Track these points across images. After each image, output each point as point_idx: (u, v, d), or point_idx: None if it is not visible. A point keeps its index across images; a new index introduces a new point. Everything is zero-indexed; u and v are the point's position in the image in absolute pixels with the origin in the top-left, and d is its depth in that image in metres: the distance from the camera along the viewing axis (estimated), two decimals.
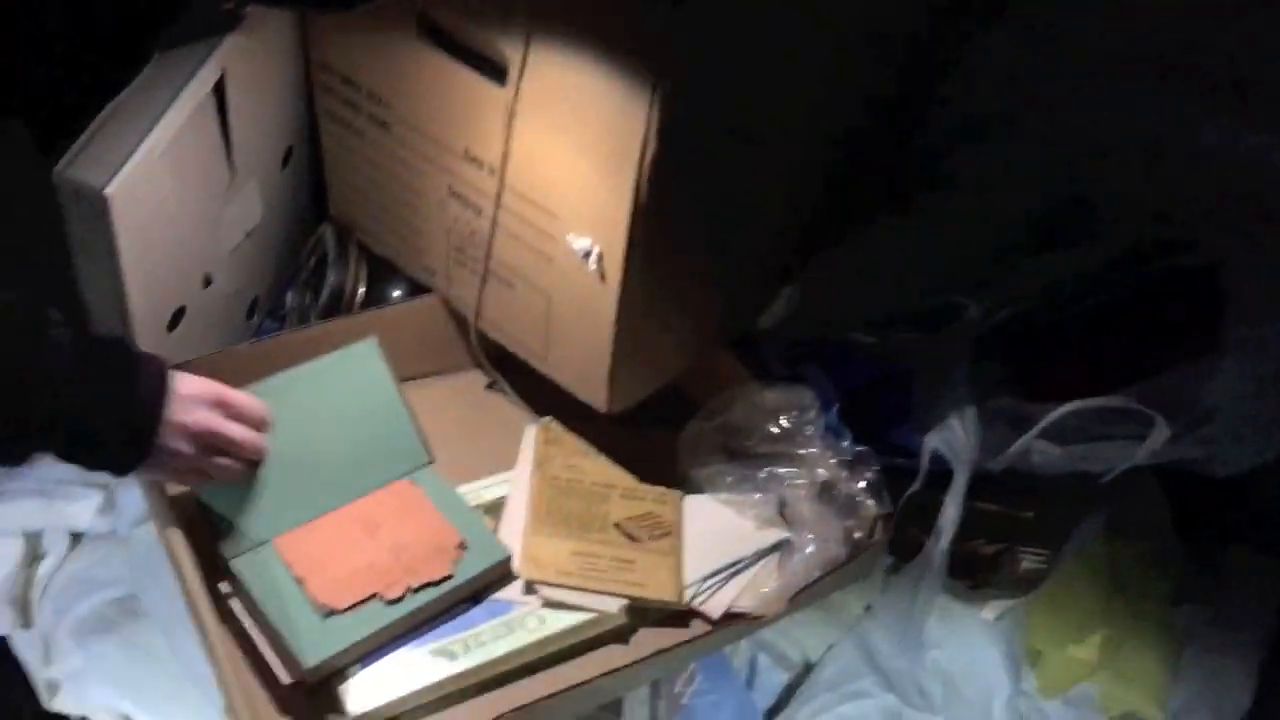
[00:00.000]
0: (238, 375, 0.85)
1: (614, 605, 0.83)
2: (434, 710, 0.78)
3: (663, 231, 0.81)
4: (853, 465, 0.88)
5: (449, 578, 0.82)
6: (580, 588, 0.83)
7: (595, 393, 0.90)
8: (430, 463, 0.90)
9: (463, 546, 0.84)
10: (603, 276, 0.82)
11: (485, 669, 0.79)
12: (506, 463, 0.93)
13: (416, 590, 0.81)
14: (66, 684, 0.97)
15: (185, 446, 0.76)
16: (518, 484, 0.91)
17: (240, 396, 0.81)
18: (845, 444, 0.89)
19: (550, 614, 0.83)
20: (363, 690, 0.77)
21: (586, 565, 0.85)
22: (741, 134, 0.82)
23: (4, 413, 0.68)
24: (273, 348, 0.93)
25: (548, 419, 0.96)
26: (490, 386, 1.01)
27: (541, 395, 0.97)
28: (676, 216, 0.81)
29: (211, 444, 0.78)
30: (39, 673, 0.98)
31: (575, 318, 0.87)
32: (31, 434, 0.70)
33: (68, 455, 0.72)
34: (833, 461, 0.89)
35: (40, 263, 0.84)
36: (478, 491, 0.91)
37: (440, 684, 0.78)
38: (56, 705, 0.98)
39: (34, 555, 0.99)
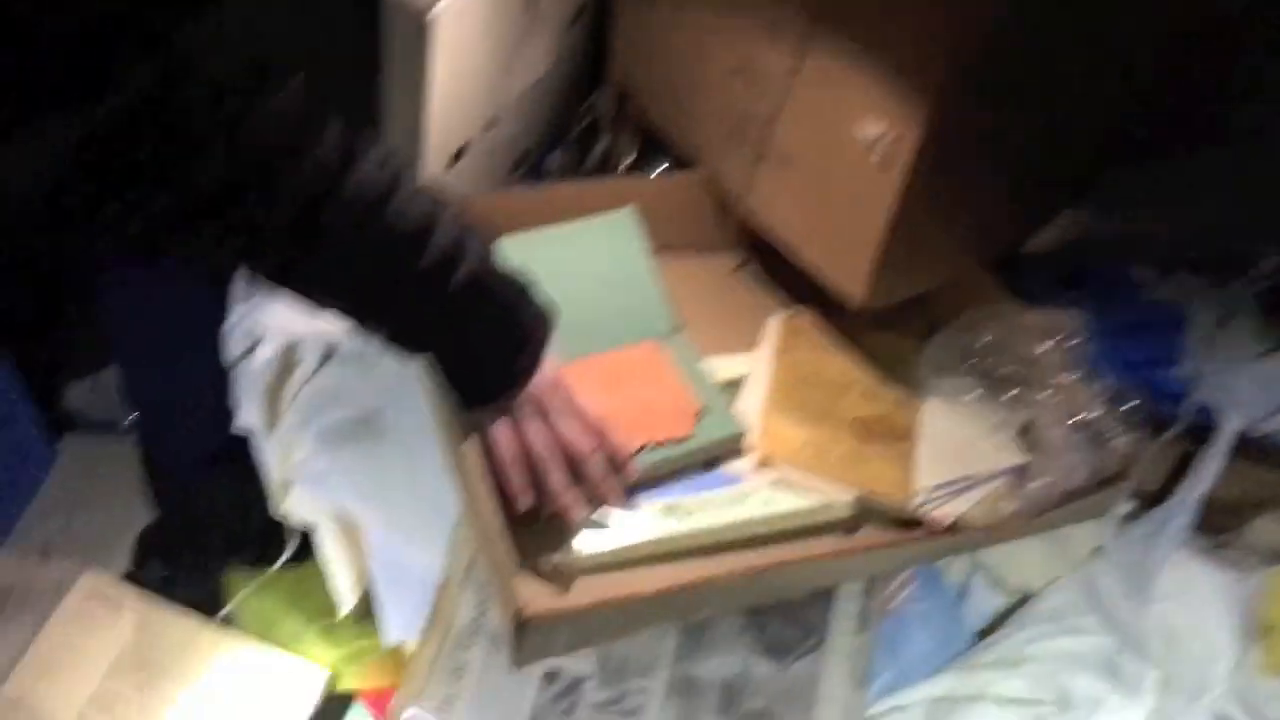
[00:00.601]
0: (509, 218, 0.87)
1: (843, 496, 0.83)
2: (653, 564, 0.80)
3: (959, 129, 0.78)
4: (1109, 401, 0.85)
5: (686, 439, 0.84)
6: (813, 473, 0.84)
7: (853, 284, 0.88)
8: (679, 330, 0.92)
9: (702, 413, 0.85)
10: (888, 166, 0.81)
11: (711, 534, 0.81)
12: (747, 344, 0.94)
13: (654, 447, 0.83)
14: (301, 485, 1.01)
15: (528, 414, 0.78)
16: (759, 366, 0.92)
17: (581, 403, 0.81)
18: (1105, 378, 0.86)
19: (779, 494, 0.83)
20: (591, 533, 0.79)
21: (820, 454, 0.85)
22: (1055, 47, 0.79)
23: (405, 322, 0.73)
24: (544, 197, 0.95)
25: (797, 307, 0.96)
26: (739, 268, 1.02)
27: (786, 285, 0.97)
28: (976, 116, 0.79)
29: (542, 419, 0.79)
30: (276, 472, 1.03)
31: (849, 205, 0.86)
32: (425, 347, 0.75)
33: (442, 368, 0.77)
34: (1088, 393, 0.86)
35: (349, 88, 0.88)
36: (718, 368, 0.91)
37: (665, 540, 0.80)
38: (288, 505, 1.04)
39: (289, 362, 1.04)
